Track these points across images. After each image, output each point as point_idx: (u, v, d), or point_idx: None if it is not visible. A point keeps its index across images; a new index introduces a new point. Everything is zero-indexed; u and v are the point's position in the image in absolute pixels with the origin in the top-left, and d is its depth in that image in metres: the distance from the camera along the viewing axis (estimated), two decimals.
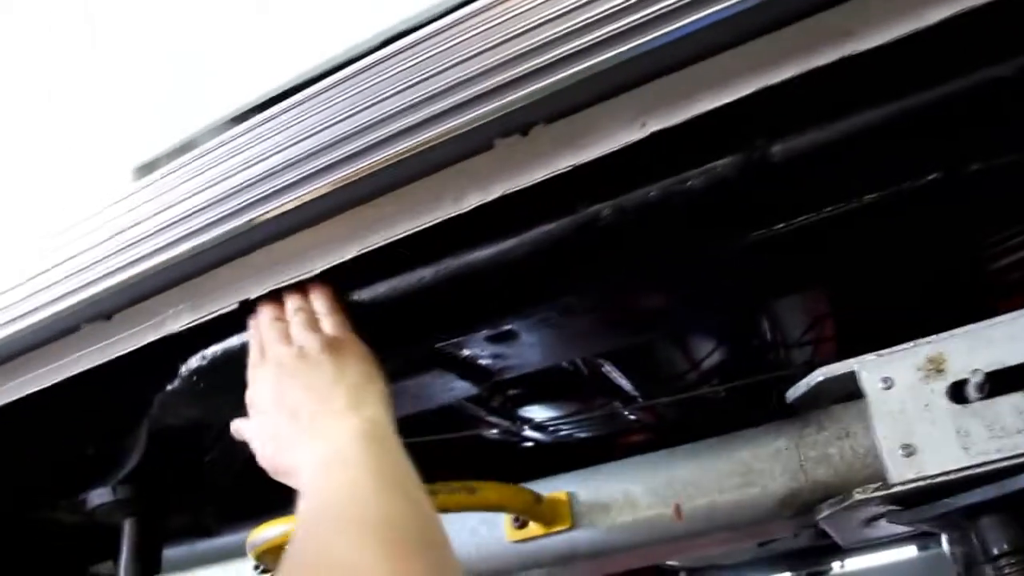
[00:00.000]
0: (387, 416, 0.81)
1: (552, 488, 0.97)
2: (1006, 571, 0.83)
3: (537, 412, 1.30)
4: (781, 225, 0.85)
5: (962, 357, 0.82)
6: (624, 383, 1.17)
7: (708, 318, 1.07)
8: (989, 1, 0.67)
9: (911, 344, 0.85)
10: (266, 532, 0.96)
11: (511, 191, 0.82)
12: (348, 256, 0.90)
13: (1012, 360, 0.81)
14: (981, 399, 0.81)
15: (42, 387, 1.07)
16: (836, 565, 2.03)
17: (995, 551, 0.83)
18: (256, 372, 0.91)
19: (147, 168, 0.98)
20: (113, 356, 1.03)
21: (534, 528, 0.96)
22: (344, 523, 0.65)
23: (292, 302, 0.93)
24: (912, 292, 1.12)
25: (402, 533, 0.63)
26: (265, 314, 0.94)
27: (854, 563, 2.08)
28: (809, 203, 0.83)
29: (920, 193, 0.81)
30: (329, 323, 0.90)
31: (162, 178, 0.95)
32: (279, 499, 1.47)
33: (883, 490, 0.83)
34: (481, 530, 0.99)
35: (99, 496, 1.25)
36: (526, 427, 1.34)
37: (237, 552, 1.31)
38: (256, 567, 1.06)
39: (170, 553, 1.33)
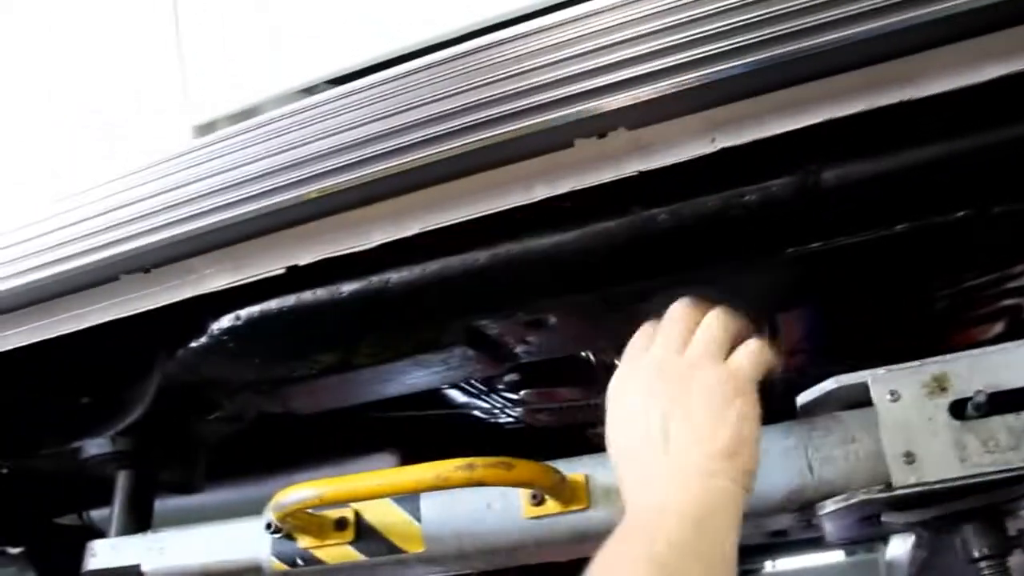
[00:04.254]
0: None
1: (568, 470, 1.02)
2: (984, 572, 0.93)
3: (533, 396, 1.37)
4: (817, 244, 0.92)
5: (964, 378, 0.91)
6: None
7: None
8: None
9: (919, 362, 0.93)
10: (294, 495, 0.99)
11: (579, 188, 0.88)
12: (409, 233, 0.94)
13: (1008, 384, 0.90)
14: (978, 417, 0.90)
15: (69, 331, 1.08)
16: (768, 564, 2.15)
17: (976, 554, 0.93)
18: (631, 365, 0.85)
19: (208, 128, 1.00)
20: (146, 308, 1.05)
21: (551, 506, 1.01)
22: None
23: (713, 319, 0.86)
24: (905, 315, 1.21)
25: None
26: (678, 313, 0.87)
27: (785, 563, 2.21)
28: (846, 227, 0.91)
29: (947, 228, 0.90)
30: (745, 355, 0.83)
31: (223, 140, 0.97)
32: (263, 462, 1.51)
33: (885, 492, 0.91)
34: (497, 504, 1.04)
35: (96, 446, 1.26)
36: (515, 409, 1.40)
37: (223, 511, 1.33)
38: (268, 526, 1.09)
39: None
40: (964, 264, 1.09)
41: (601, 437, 0.87)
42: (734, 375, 0.81)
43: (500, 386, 1.34)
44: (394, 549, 1.07)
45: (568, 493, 1.01)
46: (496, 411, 1.43)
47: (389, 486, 0.96)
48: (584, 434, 1.52)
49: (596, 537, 1.05)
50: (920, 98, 0.79)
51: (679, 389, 0.79)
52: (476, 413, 1.47)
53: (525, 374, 1.23)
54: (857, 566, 2.18)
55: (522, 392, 1.30)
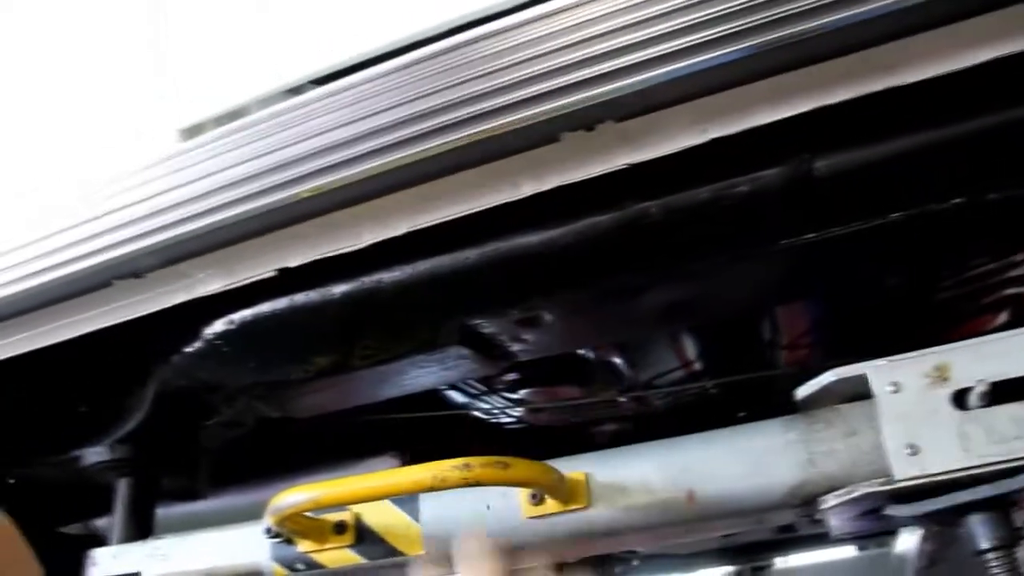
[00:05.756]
0: None
1: (568, 468, 1.01)
2: (991, 564, 0.91)
3: (533, 396, 1.36)
4: (811, 235, 0.91)
5: (966, 367, 0.90)
6: (624, 372, 1.22)
7: (721, 317, 1.13)
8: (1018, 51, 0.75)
9: (919, 353, 0.92)
10: (289, 498, 0.98)
11: (567, 183, 0.87)
12: (398, 232, 0.93)
13: (1011, 373, 0.88)
14: (982, 407, 0.88)
15: (62, 340, 1.07)
16: (779, 560, 2.13)
17: (982, 546, 0.91)
18: None
19: (194, 131, 0.99)
20: (140, 314, 1.04)
21: (551, 505, 1.00)
22: None
23: None
24: (906, 306, 1.19)
25: None
26: None
27: (795, 559, 2.18)
28: (840, 217, 0.90)
29: (942, 216, 0.88)
30: None
31: (210, 142, 0.96)
32: (267, 466, 1.50)
33: (888, 485, 0.90)
34: (496, 504, 1.03)
35: (95, 454, 1.26)
36: (517, 409, 1.39)
37: (227, 517, 1.32)
38: (267, 531, 1.08)
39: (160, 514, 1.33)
40: (962, 253, 1.07)
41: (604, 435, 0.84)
42: None
43: (499, 386, 1.33)
44: (393, 552, 1.06)
45: (567, 492, 1.00)
46: (496, 411, 1.42)
47: (385, 488, 0.95)
48: (586, 432, 1.51)
49: (597, 536, 1.05)
50: (909, 84, 0.78)
51: None
52: (477, 414, 1.46)
53: (524, 373, 1.22)
54: (868, 561, 2.16)
55: (521, 391, 1.29)
